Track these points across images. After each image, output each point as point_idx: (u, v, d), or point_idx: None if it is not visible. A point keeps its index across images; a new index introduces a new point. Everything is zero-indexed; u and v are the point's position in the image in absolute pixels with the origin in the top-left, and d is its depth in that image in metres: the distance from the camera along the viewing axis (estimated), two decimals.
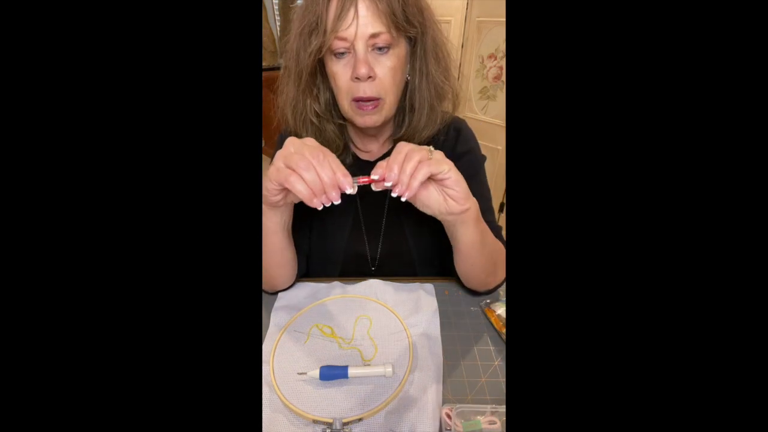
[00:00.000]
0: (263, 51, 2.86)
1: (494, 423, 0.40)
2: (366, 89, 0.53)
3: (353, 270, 0.66)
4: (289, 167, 0.43)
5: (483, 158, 0.68)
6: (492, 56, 1.73)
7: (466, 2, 1.70)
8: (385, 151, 0.66)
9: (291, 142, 0.44)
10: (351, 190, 0.43)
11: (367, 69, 0.51)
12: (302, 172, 0.42)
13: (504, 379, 0.46)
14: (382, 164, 0.45)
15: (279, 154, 0.44)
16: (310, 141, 0.45)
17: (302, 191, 0.42)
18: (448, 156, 0.65)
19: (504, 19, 1.53)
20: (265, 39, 2.88)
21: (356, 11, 0.49)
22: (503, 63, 1.68)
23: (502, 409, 0.40)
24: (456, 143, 0.65)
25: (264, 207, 0.50)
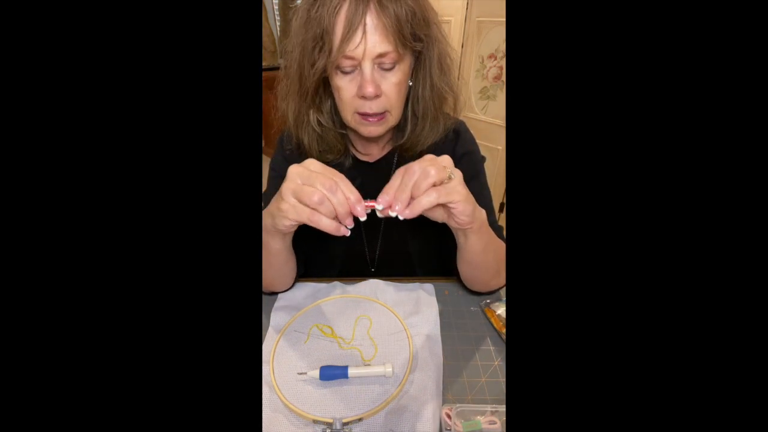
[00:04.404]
0: (263, 51, 2.86)
1: (494, 423, 0.40)
2: (372, 106, 0.52)
3: (352, 271, 0.66)
4: (303, 202, 0.41)
5: (483, 159, 0.68)
6: (492, 56, 1.73)
7: (466, 2, 1.70)
8: (384, 153, 0.66)
9: (297, 173, 0.42)
10: (363, 218, 0.41)
11: (374, 89, 0.50)
12: (320, 207, 0.40)
13: (504, 379, 0.46)
14: (388, 191, 0.43)
15: (287, 187, 0.42)
16: (315, 165, 0.43)
17: (329, 227, 0.41)
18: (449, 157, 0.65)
19: (504, 19, 1.54)
20: (265, 39, 2.88)
21: (365, 31, 0.47)
22: (503, 63, 1.68)
23: (502, 409, 0.40)
24: (455, 145, 0.65)
25: (269, 232, 0.49)
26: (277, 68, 0.60)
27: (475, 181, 0.64)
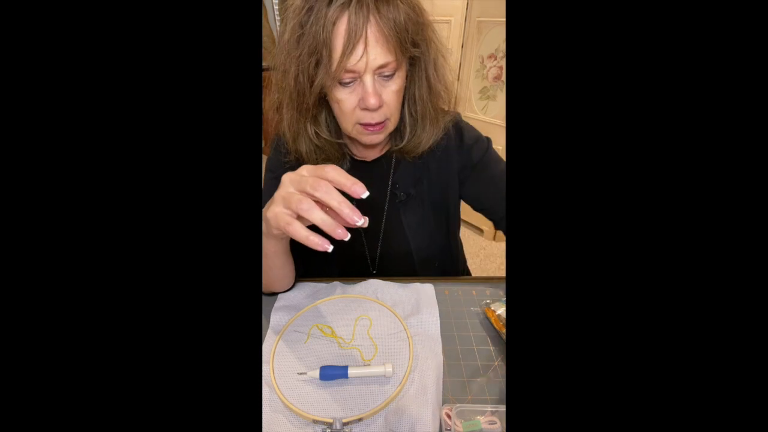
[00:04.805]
0: (263, 51, 2.85)
1: (494, 423, 0.40)
2: (374, 116, 0.52)
3: (353, 272, 0.66)
4: (291, 209, 0.39)
5: (488, 140, 0.68)
6: (492, 56, 1.73)
7: (466, 2, 1.70)
8: (381, 154, 0.66)
9: (289, 181, 0.41)
10: (366, 194, 0.38)
11: (377, 100, 0.49)
12: (306, 215, 0.38)
13: (504, 379, 0.46)
14: None
15: (278, 194, 0.41)
16: (307, 170, 0.40)
17: (305, 238, 0.38)
18: (457, 152, 0.65)
19: (504, 19, 1.54)
20: (265, 39, 2.88)
21: (366, 44, 0.46)
22: (503, 63, 1.69)
23: (502, 409, 0.40)
24: (461, 140, 0.65)
25: (264, 235, 0.47)
26: None
27: (494, 164, 0.64)
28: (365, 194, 0.38)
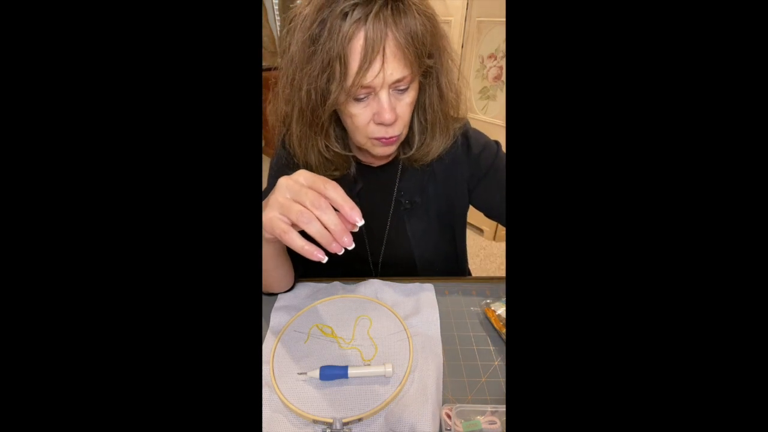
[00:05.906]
0: (263, 51, 2.86)
1: (494, 423, 0.40)
2: (389, 130, 0.51)
3: (355, 276, 0.66)
4: (290, 219, 0.38)
5: (497, 144, 0.66)
6: (492, 56, 1.74)
7: (466, 2, 1.70)
8: (388, 161, 0.65)
9: (286, 187, 0.40)
10: (361, 222, 0.38)
11: (392, 115, 0.48)
12: (308, 227, 0.37)
13: (504, 379, 0.46)
14: None
15: (274, 200, 0.40)
16: (305, 177, 0.40)
17: (302, 248, 0.38)
18: (465, 161, 0.64)
19: (504, 19, 1.54)
20: (265, 39, 2.89)
21: (383, 60, 0.44)
22: (503, 63, 1.69)
23: (502, 409, 0.40)
24: (469, 148, 0.64)
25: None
26: (277, 68, 0.57)
27: (504, 169, 0.63)
28: (360, 222, 0.38)
